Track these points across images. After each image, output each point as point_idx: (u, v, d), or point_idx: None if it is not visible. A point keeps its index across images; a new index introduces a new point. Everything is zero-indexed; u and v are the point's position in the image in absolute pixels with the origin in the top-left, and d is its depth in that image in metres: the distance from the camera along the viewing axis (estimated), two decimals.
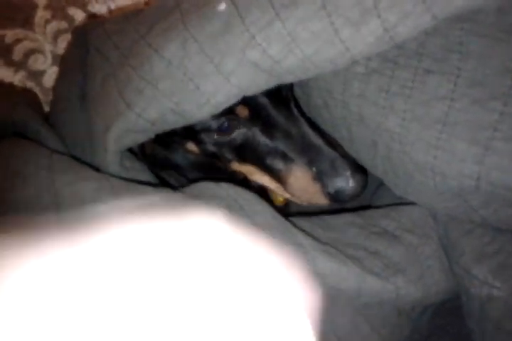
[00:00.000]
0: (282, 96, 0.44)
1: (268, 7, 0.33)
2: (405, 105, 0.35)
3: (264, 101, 0.43)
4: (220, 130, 0.44)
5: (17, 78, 0.63)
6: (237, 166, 0.47)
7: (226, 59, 0.35)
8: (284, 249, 0.34)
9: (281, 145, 0.43)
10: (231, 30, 0.35)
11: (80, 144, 0.45)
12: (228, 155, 0.46)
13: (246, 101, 0.41)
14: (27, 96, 0.60)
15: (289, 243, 0.37)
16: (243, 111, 0.43)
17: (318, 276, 0.36)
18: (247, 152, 0.45)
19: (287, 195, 0.46)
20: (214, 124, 0.43)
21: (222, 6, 0.35)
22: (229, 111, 0.42)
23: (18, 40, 0.62)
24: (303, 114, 0.45)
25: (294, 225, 0.40)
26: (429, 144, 0.35)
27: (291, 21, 0.33)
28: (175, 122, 0.40)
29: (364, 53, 0.34)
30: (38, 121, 0.48)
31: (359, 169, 0.42)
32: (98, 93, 0.42)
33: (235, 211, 0.38)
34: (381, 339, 0.39)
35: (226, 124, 0.43)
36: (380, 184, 0.48)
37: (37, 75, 0.64)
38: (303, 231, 0.40)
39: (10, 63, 0.62)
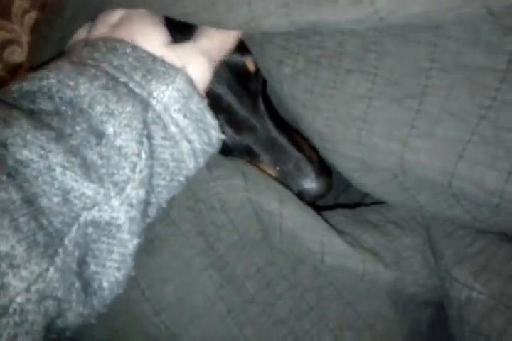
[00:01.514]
0: (249, 89, 0.44)
1: None
2: (328, 105, 0.36)
3: (223, 91, 0.43)
4: None
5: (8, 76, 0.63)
6: None
7: None
8: None
9: (246, 139, 0.44)
10: None
11: None
12: None
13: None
14: None
15: None
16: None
17: (281, 218, 0.38)
18: None
19: None
20: None
21: None
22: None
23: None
24: (273, 112, 0.45)
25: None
26: (353, 141, 0.35)
27: None
28: None
29: None
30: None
31: (324, 171, 0.43)
32: None
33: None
34: (378, 336, 0.39)
35: None
36: None
37: (13, 67, 0.63)
38: None
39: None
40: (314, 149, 0.43)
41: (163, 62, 0.34)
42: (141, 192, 0.31)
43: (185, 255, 0.37)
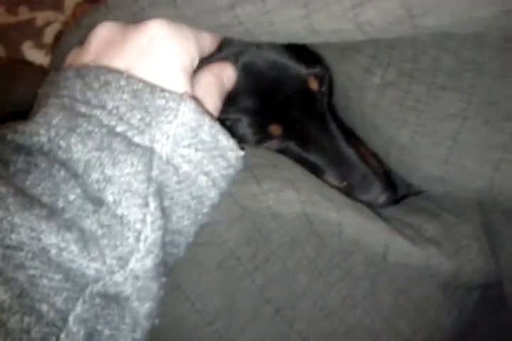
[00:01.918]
0: (316, 109, 0.44)
1: None
2: (418, 120, 0.35)
3: (298, 116, 0.43)
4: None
5: (48, 61, 0.64)
6: None
7: None
8: None
9: (313, 157, 0.44)
10: None
11: None
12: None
13: (279, 119, 0.42)
14: None
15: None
16: (276, 130, 0.43)
17: (341, 226, 0.37)
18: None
19: None
20: (249, 137, 0.43)
21: None
22: (261, 131, 0.42)
23: (48, 23, 0.63)
24: (339, 123, 0.45)
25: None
26: (439, 159, 0.35)
27: None
28: None
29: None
30: None
31: (390, 186, 0.43)
32: None
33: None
34: (429, 321, 0.40)
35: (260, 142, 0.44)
36: None
37: None
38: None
39: (41, 46, 0.64)
40: (379, 161, 0.44)
41: (162, 91, 0.30)
42: (148, 262, 0.29)
43: (229, 264, 0.37)
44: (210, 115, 0.33)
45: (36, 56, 0.64)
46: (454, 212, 0.42)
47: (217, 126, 0.32)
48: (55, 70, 0.35)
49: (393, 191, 0.43)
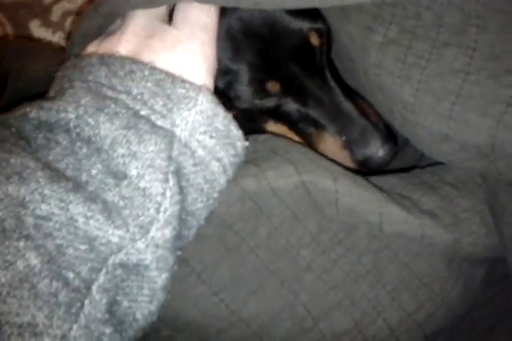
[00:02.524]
0: (316, 64, 0.44)
1: None
2: (420, 76, 0.36)
3: (296, 72, 0.42)
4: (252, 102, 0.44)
5: (55, 39, 0.63)
6: (272, 125, 0.48)
7: None
8: None
9: (312, 112, 0.44)
10: None
11: None
12: (262, 116, 0.47)
13: (277, 75, 0.42)
14: None
15: None
16: (275, 87, 0.43)
17: (337, 194, 0.38)
18: (280, 115, 0.46)
19: None
20: (246, 95, 0.43)
21: None
22: (259, 89, 0.43)
23: (56, 1, 0.64)
24: (339, 79, 0.45)
25: None
26: (442, 115, 0.36)
27: None
28: None
29: None
30: None
31: (390, 138, 0.43)
32: None
33: None
34: (433, 295, 0.40)
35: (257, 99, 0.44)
36: None
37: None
38: None
39: (48, 24, 0.64)
40: (380, 116, 0.43)
41: (183, 82, 0.33)
42: (167, 232, 0.31)
43: (230, 239, 0.38)
44: (224, 109, 0.35)
45: (43, 34, 0.65)
46: (456, 185, 0.42)
47: (229, 117, 0.34)
48: (76, 56, 0.36)
49: (394, 144, 0.43)
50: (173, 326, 0.38)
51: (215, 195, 0.35)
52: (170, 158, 0.31)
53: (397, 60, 0.36)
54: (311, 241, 0.39)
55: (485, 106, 0.34)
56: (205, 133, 0.33)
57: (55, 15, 0.64)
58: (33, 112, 0.31)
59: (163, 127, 0.31)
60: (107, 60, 0.33)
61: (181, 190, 0.32)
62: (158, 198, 0.30)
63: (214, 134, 0.33)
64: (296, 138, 0.47)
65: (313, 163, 0.39)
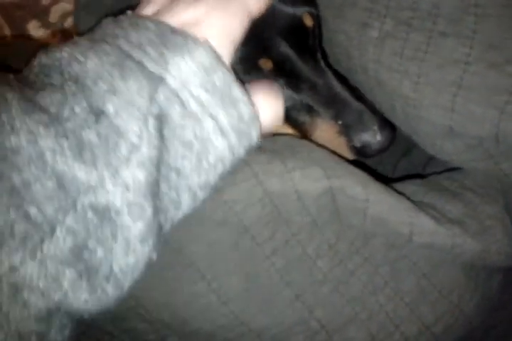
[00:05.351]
0: (308, 46, 0.43)
1: None
2: (419, 69, 0.35)
3: (289, 52, 0.42)
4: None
5: (53, 41, 0.63)
6: None
7: None
8: None
9: (306, 97, 0.43)
10: None
11: None
12: None
13: (269, 53, 0.41)
14: None
15: None
16: (267, 64, 0.42)
17: (367, 203, 0.36)
18: None
19: None
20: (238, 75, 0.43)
21: None
22: (252, 65, 0.42)
23: (54, 2, 0.63)
24: (330, 65, 0.44)
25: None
26: (444, 107, 0.35)
27: None
28: None
29: None
30: None
31: (387, 123, 0.42)
32: None
33: None
34: (452, 307, 0.39)
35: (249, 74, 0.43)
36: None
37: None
38: None
39: (46, 25, 0.64)
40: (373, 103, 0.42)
41: (185, 35, 0.31)
42: (140, 174, 0.29)
43: (244, 244, 0.36)
44: (229, 69, 0.33)
45: (42, 35, 0.64)
46: (477, 191, 0.40)
47: (232, 75, 0.33)
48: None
49: (391, 128, 0.41)
50: (180, 333, 0.37)
51: (211, 160, 0.32)
52: (152, 99, 0.30)
53: (394, 54, 0.36)
54: (328, 250, 0.37)
55: (487, 97, 0.33)
56: (200, 86, 0.31)
57: (54, 16, 0.64)
58: (42, 58, 0.31)
59: (153, 72, 0.30)
60: (120, 18, 0.33)
61: (163, 138, 0.30)
62: (134, 138, 0.29)
63: (210, 89, 0.31)
64: (289, 131, 0.46)
65: (342, 167, 0.37)
